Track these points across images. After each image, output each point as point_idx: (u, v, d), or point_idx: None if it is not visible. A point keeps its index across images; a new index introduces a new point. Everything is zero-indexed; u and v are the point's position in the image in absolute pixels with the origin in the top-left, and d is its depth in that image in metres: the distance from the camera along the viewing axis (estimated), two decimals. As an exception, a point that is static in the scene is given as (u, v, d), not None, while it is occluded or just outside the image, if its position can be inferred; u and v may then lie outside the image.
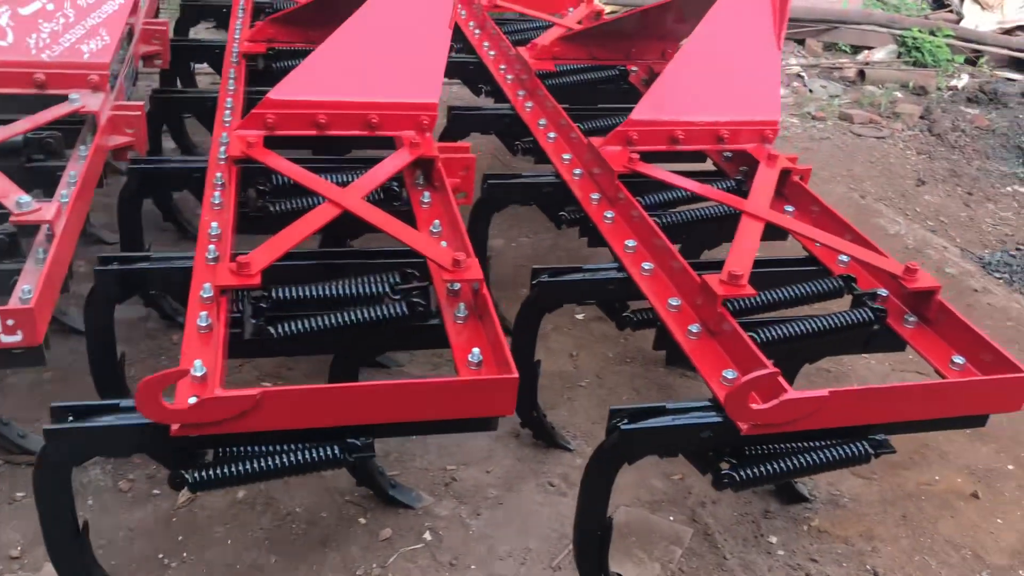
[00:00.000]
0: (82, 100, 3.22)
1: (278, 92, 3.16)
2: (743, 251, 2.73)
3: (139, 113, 3.36)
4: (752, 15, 3.64)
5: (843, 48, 7.89)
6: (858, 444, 2.35)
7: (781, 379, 2.23)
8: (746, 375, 2.21)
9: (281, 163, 3.03)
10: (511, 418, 2.88)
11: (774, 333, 2.59)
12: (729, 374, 2.35)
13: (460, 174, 3.28)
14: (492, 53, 4.50)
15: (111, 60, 3.39)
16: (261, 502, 2.88)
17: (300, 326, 2.43)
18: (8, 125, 3.05)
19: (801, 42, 7.89)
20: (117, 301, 2.73)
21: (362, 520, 2.86)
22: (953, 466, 3.30)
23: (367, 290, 2.52)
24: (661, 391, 3.56)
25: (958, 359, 2.51)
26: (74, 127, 3.23)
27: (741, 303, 2.71)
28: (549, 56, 4.20)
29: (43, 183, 3.03)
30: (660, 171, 3.19)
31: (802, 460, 2.33)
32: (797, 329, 2.62)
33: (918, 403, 2.37)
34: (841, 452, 2.34)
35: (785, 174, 3.32)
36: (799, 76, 7.25)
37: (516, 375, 2.14)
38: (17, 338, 2.33)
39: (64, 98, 3.23)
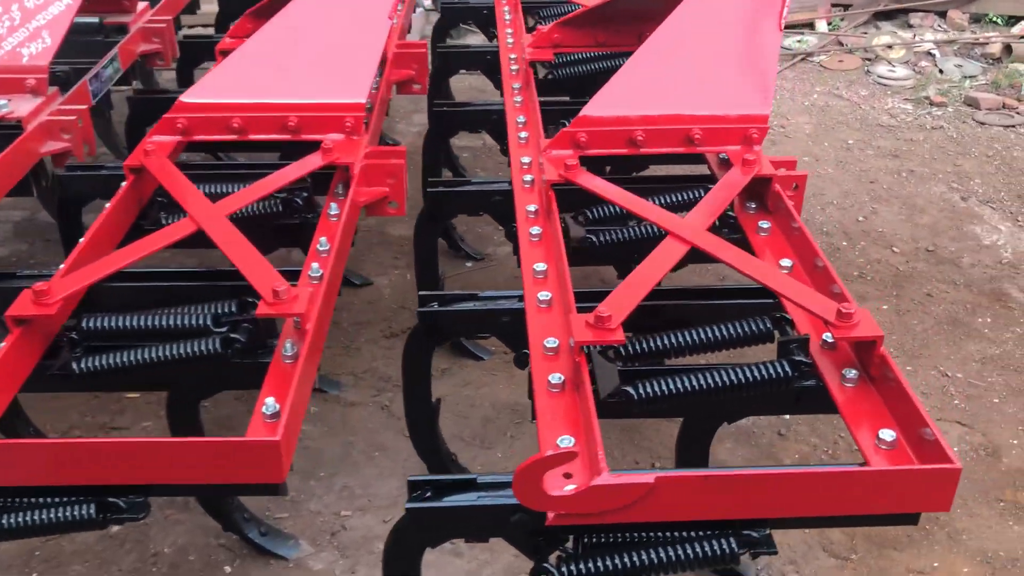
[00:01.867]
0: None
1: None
2: (632, 284, 2.23)
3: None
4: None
5: (993, 20, 6.83)
6: (721, 541, 1.84)
7: (599, 456, 1.76)
8: (547, 451, 1.76)
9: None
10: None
11: (656, 389, 2.09)
12: (564, 442, 1.90)
13: (388, 182, 2.94)
14: (510, 41, 4.11)
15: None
16: (132, 539, 2.69)
17: (104, 361, 2.19)
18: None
19: (943, 14, 6.91)
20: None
21: (227, 568, 2.60)
22: (964, 549, 2.64)
23: (188, 322, 2.24)
24: (624, 433, 3.08)
25: (887, 434, 1.92)
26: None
27: (648, 345, 2.24)
28: (548, 43, 3.75)
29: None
30: (594, 180, 2.71)
31: (646, 557, 1.85)
32: (690, 384, 2.11)
33: (808, 495, 1.82)
34: (697, 550, 1.84)
35: (763, 182, 2.76)
36: (929, 54, 6.33)
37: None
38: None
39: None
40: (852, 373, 2.09)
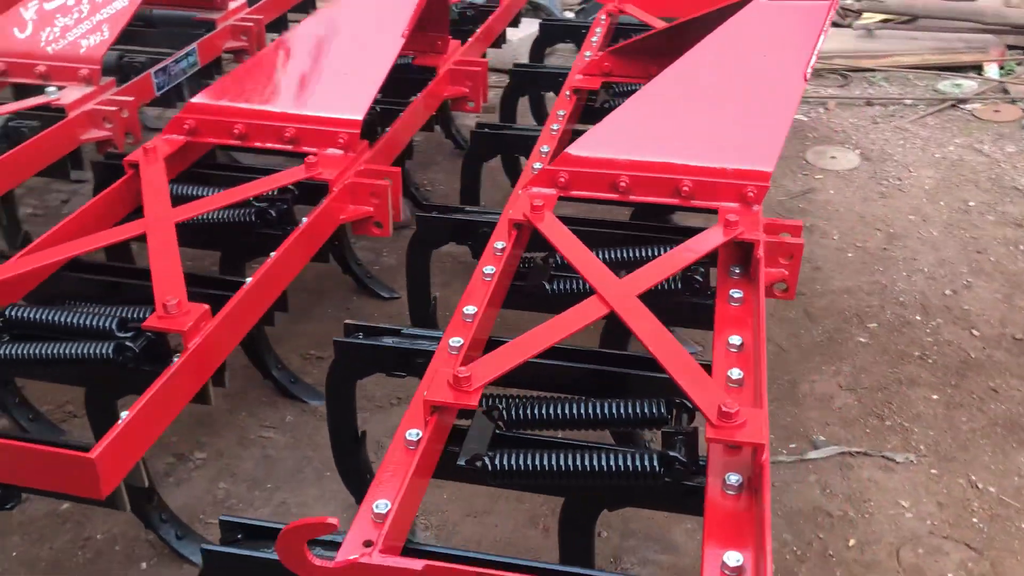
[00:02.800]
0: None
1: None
2: (519, 345, 2.06)
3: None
4: (786, 29, 2.80)
5: None
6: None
7: (384, 534, 1.64)
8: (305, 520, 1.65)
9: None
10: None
11: (512, 462, 1.92)
12: (381, 507, 1.79)
13: (372, 202, 2.90)
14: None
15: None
16: (75, 519, 2.78)
17: (20, 351, 2.27)
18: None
19: None
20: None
21: (143, 565, 2.64)
22: None
23: (98, 323, 2.29)
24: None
25: (733, 558, 1.68)
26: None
27: (527, 412, 2.07)
28: (598, 72, 3.59)
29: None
30: (552, 225, 2.54)
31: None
32: (550, 462, 1.92)
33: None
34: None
35: (744, 247, 2.51)
36: None
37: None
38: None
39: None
40: (735, 479, 1.85)
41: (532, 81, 4.17)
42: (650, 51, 3.44)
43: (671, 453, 1.88)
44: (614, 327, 2.67)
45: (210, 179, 3.06)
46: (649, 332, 2.09)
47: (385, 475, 1.86)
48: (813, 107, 5.67)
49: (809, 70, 2.72)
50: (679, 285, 2.50)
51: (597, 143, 2.73)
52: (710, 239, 2.51)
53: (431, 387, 1.94)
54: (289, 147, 3.01)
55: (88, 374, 2.33)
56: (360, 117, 2.97)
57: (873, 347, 3.54)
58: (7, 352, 2.28)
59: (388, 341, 2.37)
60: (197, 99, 3.06)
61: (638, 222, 3.03)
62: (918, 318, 3.71)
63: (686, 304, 2.51)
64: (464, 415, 2.07)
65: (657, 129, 2.74)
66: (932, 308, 3.77)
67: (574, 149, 2.73)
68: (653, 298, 2.49)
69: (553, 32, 4.78)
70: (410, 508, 1.87)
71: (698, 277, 2.50)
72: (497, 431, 2.06)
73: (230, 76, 3.15)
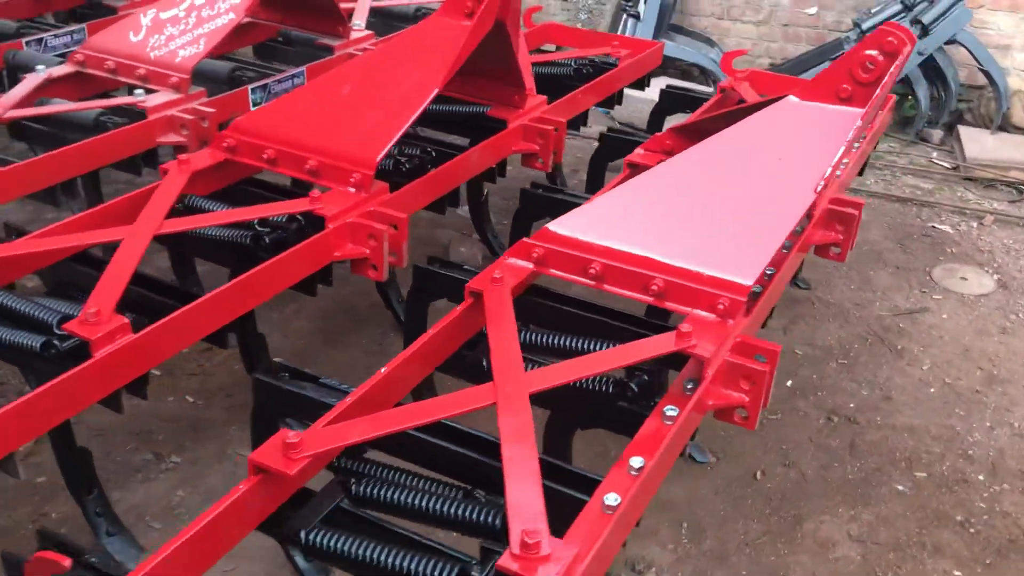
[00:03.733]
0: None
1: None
2: (378, 419, 1.96)
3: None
4: (811, 134, 2.55)
5: None
6: None
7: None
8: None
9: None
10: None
11: (331, 543, 1.85)
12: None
13: (370, 244, 2.89)
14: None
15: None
16: (44, 493, 2.94)
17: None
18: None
19: None
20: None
21: (75, 550, 2.75)
22: None
23: (40, 316, 2.40)
24: None
25: None
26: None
27: (370, 492, 1.99)
28: (659, 148, 3.40)
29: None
30: (496, 304, 2.41)
31: None
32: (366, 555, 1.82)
33: None
34: None
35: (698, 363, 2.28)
36: None
37: None
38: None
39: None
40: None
41: (618, 148, 4.02)
42: (708, 133, 3.22)
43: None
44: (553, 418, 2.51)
45: (240, 196, 3.17)
46: (512, 434, 1.94)
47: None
48: (967, 219, 5.12)
49: (822, 183, 2.44)
50: (609, 388, 2.31)
51: (579, 222, 2.58)
52: (658, 345, 2.31)
53: (263, 447, 1.90)
54: (309, 178, 3.06)
55: (24, 361, 2.46)
56: (375, 157, 2.97)
57: (910, 499, 3.12)
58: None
59: (306, 387, 2.35)
60: (241, 120, 3.18)
61: (616, 311, 2.77)
62: (980, 478, 3.24)
63: (615, 409, 2.31)
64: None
65: (644, 218, 2.56)
66: (1003, 471, 3.28)
67: (554, 225, 2.60)
68: (584, 396, 2.35)
69: (673, 100, 4.60)
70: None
71: (633, 385, 2.30)
72: (343, 504, 1.99)
73: (279, 101, 3.25)
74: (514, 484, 1.82)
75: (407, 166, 3.35)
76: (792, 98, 2.62)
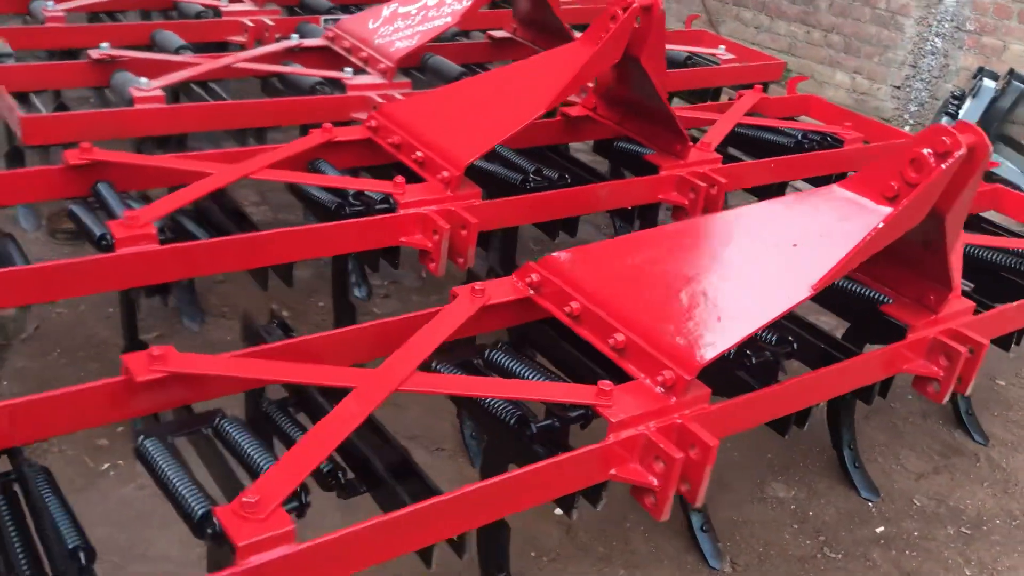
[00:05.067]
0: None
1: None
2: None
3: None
4: (835, 227, 2.25)
5: None
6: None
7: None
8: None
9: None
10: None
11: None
12: None
13: (433, 238, 3.01)
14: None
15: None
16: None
17: None
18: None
19: None
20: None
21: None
22: None
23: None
24: None
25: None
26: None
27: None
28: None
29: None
30: (445, 316, 2.39)
31: None
32: None
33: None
34: None
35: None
36: None
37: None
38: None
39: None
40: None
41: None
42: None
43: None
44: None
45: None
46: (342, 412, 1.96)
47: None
48: None
49: (821, 286, 2.12)
50: (512, 419, 2.20)
51: (579, 259, 2.50)
52: (578, 394, 2.18)
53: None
54: (416, 168, 3.24)
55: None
56: (465, 160, 3.07)
57: None
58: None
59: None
60: (386, 105, 3.44)
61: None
62: None
63: (519, 442, 2.21)
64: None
65: (640, 271, 2.40)
66: None
67: (560, 254, 2.53)
68: (485, 414, 2.26)
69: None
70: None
71: (532, 425, 2.18)
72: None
73: (421, 95, 3.47)
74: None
75: (531, 184, 3.41)
76: (837, 188, 2.29)
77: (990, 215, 4.03)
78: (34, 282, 2.52)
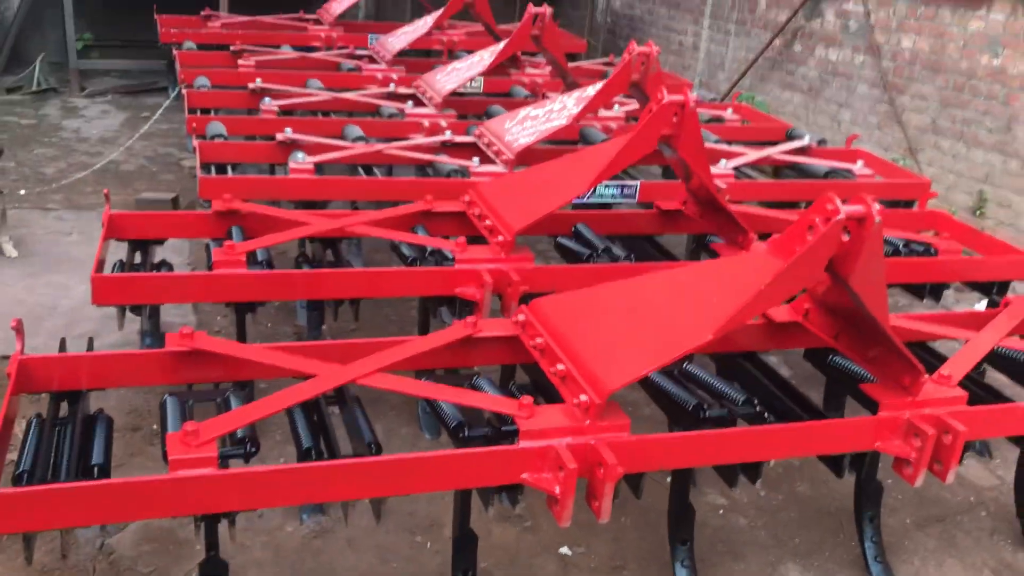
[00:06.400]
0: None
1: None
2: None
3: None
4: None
5: None
6: None
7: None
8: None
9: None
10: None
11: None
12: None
13: (481, 292, 3.47)
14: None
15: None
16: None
17: None
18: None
19: None
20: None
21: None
22: None
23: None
24: None
25: None
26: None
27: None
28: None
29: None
30: (432, 338, 2.82)
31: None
32: None
33: None
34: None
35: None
36: None
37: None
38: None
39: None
40: None
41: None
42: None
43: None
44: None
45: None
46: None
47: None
48: None
49: (721, 329, 2.33)
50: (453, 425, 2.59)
51: (556, 303, 2.85)
52: (504, 405, 2.53)
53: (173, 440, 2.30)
54: (486, 233, 3.73)
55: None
56: (517, 227, 3.52)
57: None
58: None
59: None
60: (482, 183, 3.99)
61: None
62: None
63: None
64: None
65: (595, 313, 2.70)
66: None
67: (543, 300, 2.90)
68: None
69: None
70: None
71: (466, 431, 2.55)
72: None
73: (524, 171, 3.99)
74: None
75: (593, 258, 3.80)
76: (760, 246, 2.48)
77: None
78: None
